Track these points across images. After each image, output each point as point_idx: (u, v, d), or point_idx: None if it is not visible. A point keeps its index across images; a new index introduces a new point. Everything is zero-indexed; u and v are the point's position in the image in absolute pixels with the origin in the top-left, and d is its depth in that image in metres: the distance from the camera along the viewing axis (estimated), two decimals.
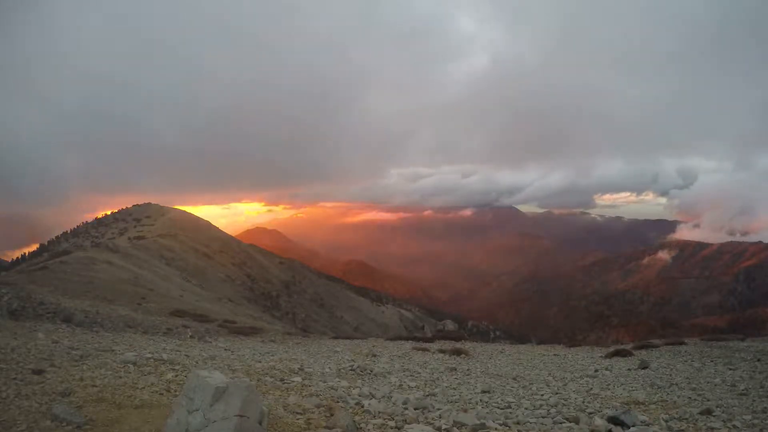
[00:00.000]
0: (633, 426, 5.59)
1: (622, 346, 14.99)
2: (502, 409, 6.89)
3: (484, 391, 8.24)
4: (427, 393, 7.80)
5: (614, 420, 5.73)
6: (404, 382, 8.70)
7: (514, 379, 10.04)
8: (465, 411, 6.16)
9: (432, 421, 5.35)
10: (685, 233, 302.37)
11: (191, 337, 13.99)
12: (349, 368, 9.57)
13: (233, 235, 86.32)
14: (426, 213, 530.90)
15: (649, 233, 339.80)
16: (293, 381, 7.26)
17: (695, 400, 7.54)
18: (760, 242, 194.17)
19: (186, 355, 9.05)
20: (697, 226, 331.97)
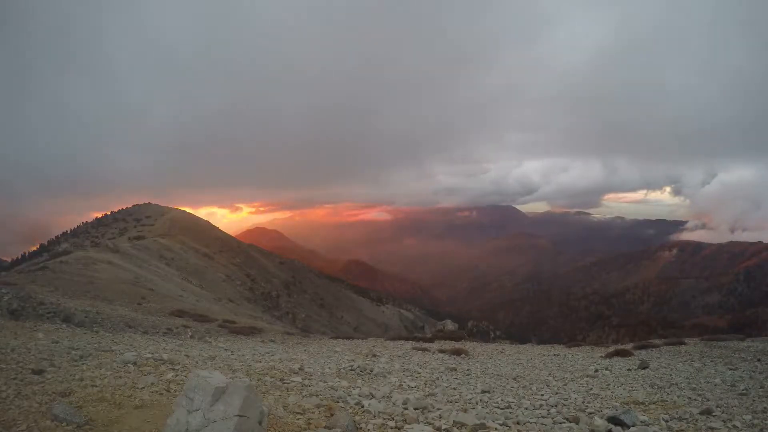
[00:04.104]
0: (633, 426, 5.60)
1: (622, 346, 14.99)
2: (502, 409, 6.89)
3: (484, 391, 8.24)
4: (427, 393, 7.80)
5: (614, 420, 5.73)
6: (404, 382, 8.69)
7: (514, 379, 10.03)
8: (465, 411, 6.16)
9: (432, 421, 5.35)
10: (687, 233, 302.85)
11: (191, 337, 14.00)
12: (349, 368, 9.56)
13: (233, 235, 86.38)
14: (426, 213, 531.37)
15: (649, 233, 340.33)
16: (293, 381, 7.25)
17: (695, 400, 7.55)
18: (760, 242, 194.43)
19: (186, 355, 9.03)
20: (701, 226, 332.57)
